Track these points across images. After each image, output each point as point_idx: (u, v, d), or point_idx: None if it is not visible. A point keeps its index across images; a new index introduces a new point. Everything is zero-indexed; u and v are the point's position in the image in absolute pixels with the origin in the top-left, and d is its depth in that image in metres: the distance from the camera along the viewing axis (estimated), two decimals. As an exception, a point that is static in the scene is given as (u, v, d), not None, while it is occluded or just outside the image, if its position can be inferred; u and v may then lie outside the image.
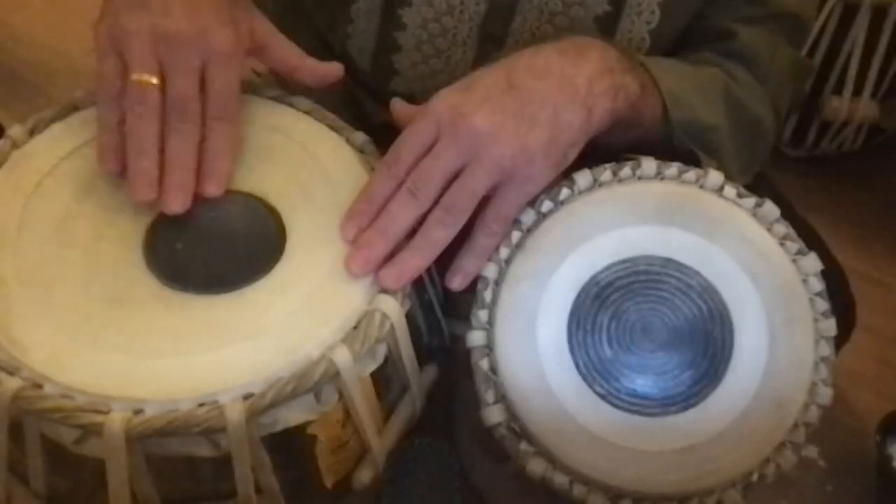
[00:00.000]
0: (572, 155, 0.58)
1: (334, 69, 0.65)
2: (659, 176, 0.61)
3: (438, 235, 0.57)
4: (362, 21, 0.74)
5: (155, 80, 0.56)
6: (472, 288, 0.60)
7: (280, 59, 0.65)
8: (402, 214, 0.57)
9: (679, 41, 0.74)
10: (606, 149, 0.63)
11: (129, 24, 0.56)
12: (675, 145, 0.66)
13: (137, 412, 0.50)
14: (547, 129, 0.56)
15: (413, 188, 0.56)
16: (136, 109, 0.55)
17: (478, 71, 0.59)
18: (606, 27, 0.71)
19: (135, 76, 0.55)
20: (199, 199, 0.58)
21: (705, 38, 0.74)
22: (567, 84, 0.57)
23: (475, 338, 0.58)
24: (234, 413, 0.50)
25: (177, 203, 0.56)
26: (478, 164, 0.55)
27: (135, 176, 0.56)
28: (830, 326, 0.59)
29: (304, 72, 0.65)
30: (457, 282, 0.58)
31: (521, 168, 0.56)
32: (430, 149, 0.57)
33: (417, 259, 0.57)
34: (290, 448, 0.55)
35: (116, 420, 0.49)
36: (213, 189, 0.58)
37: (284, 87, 0.69)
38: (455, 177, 0.56)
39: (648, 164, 0.61)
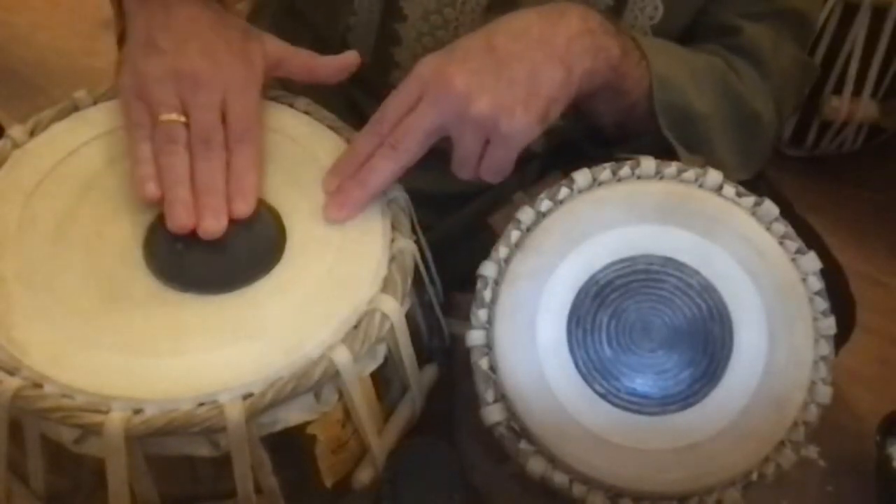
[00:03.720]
0: (555, 111, 0.60)
1: (350, 58, 0.66)
2: (658, 175, 0.61)
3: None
4: (364, 12, 0.74)
5: (181, 119, 0.58)
6: (472, 287, 0.60)
7: (297, 66, 0.66)
8: (381, 166, 0.59)
9: (683, 37, 0.74)
10: (605, 144, 0.63)
11: (148, 70, 0.59)
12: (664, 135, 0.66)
13: (137, 412, 0.50)
14: (525, 85, 0.58)
15: (394, 142, 0.59)
16: (166, 148, 0.58)
17: (462, 37, 0.61)
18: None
19: (162, 117, 0.58)
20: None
21: (709, 35, 0.75)
22: (545, 43, 0.59)
23: (475, 337, 0.58)
24: (234, 413, 0.50)
25: (212, 225, 0.57)
26: (462, 125, 0.58)
27: (171, 204, 0.57)
28: (830, 325, 0.59)
29: (322, 70, 0.66)
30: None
31: (502, 123, 0.57)
32: (414, 108, 0.59)
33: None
34: (289, 448, 0.55)
35: (116, 420, 0.49)
36: (241, 207, 0.58)
37: (284, 88, 0.69)
38: (436, 133, 0.59)
39: (648, 164, 0.61)
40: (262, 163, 0.61)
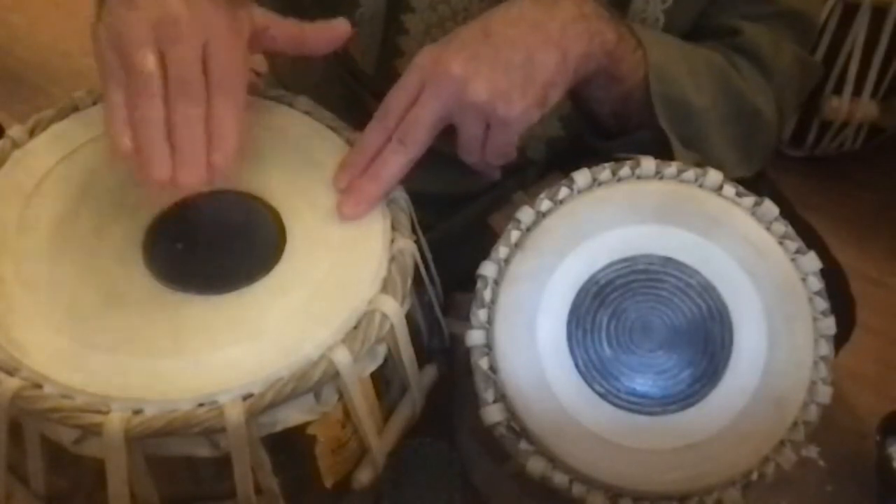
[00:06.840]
0: (554, 95, 0.60)
1: (341, 26, 0.64)
2: (658, 175, 0.61)
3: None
4: (370, 5, 0.74)
5: (158, 68, 0.54)
6: (472, 287, 0.60)
7: (284, 35, 0.63)
8: (393, 160, 0.59)
9: (684, 38, 0.74)
10: (605, 147, 0.63)
11: (125, 21, 0.56)
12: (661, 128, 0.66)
13: (137, 412, 0.50)
14: (521, 70, 0.59)
15: (401, 136, 0.59)
16: (141, 99, 0.54)
17: (459, 27, 0.62)
18: (618, 5, 0.71)
19: (137, 66, 0.54)
20: (199, 198, 0.58)
21: (709, 36, 0.75)
22: (540, 29, 0.60)
23: (474, 337, 0.58)
24: (234, 413, 0.50)
25: (190, 176, 0.53)
26: (462, 111, 0.59)
27: (148, 158, 0.54)
28: (830, 325, 0.59)
29: (312, 40, 0.63)
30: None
31: (500, 108, 0.58)
32: (416, 100, 0.59)
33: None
34: (289, 448, 0.55)
35: (116, 420, 0.49)
36: (219, 159, 0.55)
37: (284, 88, 0.69)
38: (441, 122, 0.59)
39: (647, 164, 0.61)
40: (243, 117, 0.57)
